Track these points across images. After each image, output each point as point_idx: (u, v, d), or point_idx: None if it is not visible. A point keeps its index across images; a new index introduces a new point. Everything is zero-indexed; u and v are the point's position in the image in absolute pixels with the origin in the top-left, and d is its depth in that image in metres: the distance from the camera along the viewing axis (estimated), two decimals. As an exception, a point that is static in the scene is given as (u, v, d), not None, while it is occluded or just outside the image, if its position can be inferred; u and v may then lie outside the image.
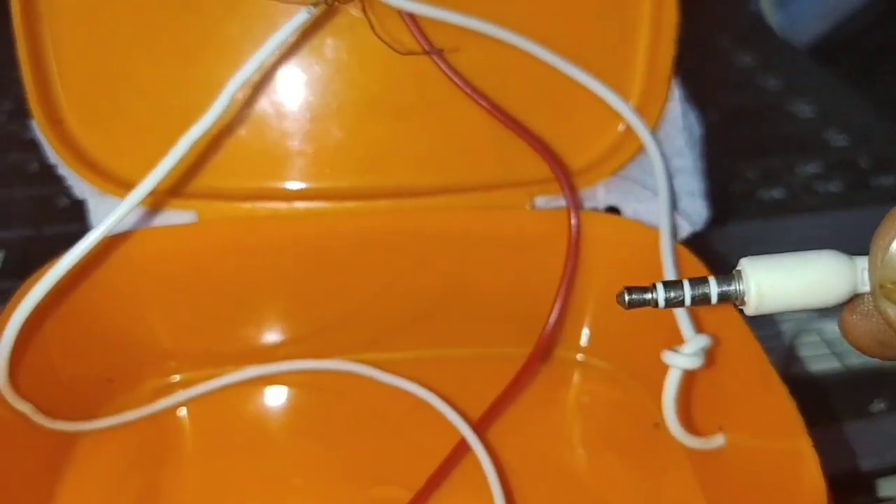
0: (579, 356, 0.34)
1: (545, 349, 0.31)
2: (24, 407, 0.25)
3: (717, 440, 0.27)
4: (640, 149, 0.33)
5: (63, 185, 0.39)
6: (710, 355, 0.26)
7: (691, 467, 0.29)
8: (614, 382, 0.33)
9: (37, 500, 0.27)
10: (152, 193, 0.28)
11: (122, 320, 0.30)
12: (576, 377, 0.33)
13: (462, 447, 0.29)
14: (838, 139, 0.50)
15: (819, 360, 0.35)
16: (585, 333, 0.34)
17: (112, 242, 0.29)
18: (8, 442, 0.26)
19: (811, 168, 0.47)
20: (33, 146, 0.44)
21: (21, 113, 0.46)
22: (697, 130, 0.34)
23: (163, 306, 0.31)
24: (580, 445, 0.31)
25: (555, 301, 0.31)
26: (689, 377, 0.27)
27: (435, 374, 0.32)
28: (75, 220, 0.32)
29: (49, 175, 0.42)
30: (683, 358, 0.25)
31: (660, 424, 0.31)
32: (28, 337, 0.26)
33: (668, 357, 0.25)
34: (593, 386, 0.33)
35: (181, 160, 0.26)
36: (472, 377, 0.32)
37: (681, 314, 0.26)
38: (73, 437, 0.29)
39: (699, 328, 0.26)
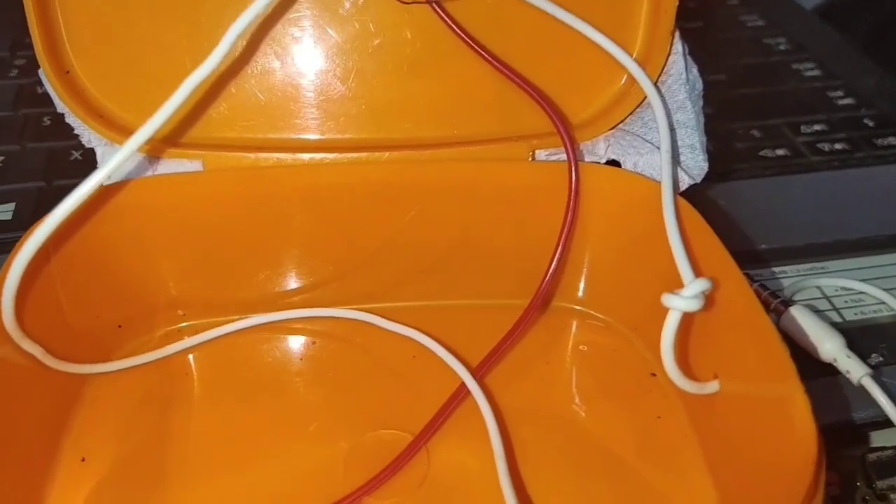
0: (577, 307, 0.34)
1: (544, 299, 0.32)
2: (32, 349, 0.26)
3: (712, 386, 0.28)
4: (641, 103, 0.33)
5: (74, 137, 0.40)
6: (706, 302, 0.27)
7: (686, 414, 0.30)
8: (612, 333, 0.33)
9: (47, 440, 0.28)
10: (156, 140, 0.28)
11: (129, 267, 0.31)
12: (574, 328, 0.34)
13: (462, 392, 0.30)
14: (844, 99, 0.50)
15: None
16: (583, 285, 0.34)
17: (118, 189, 0.30)
18: (18, 384, 0.26)
19: (816, 127, 0.47)
20: (45, 101, 0.45)
21: (33, 69, 0.47)
22: (699, 85, 0.34)
23: (170, 253, 0.31)
24: (577, 392, 0.31)
25: (555, 252, 0.31)
26: (685, 325, 0.28)
27: (437, 323, 0.33)
28: (86, 173, 0.33)
29: (60, 129, 0.43)
30: (683, 300, 0.26)
31: (656, 374, 0.32)
32: (34, 280, 0.27)
33: (668, 299, 0.26)
34: (591, 336, 0.34)
35: (182, 106, 0.26)
36: (473, 326, 0.32)
37: (680, 259, 0.27)
38: (82, 380, 0.29)
39: (697, 274, 0.27)
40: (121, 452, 0.28)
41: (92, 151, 0.32)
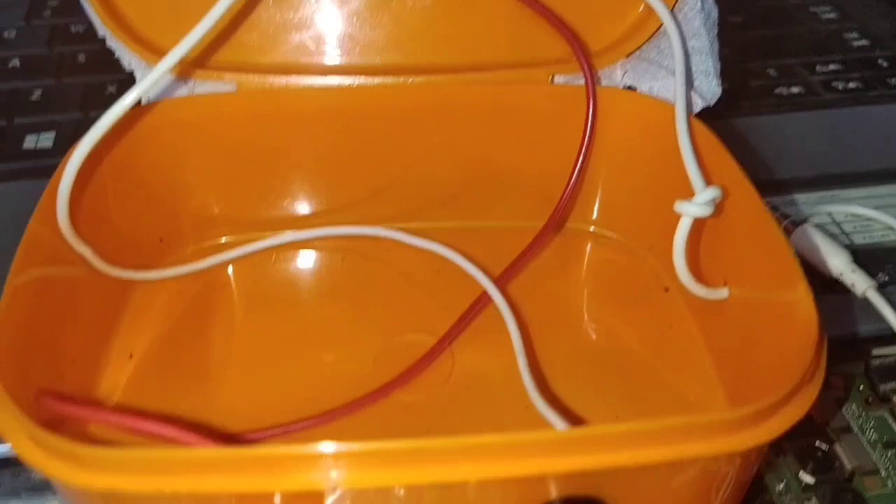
0: (593, 228, 0.36)
1: (562, 216, 0.33)
2: (84, 250, 0.28)
3: (722, 292, 0.29)
4: (658, 30, 0.34)
5: (108, 72, 0.41)
6: (717, 210, 0.28)
7: (697, 324, 0.32)
8: (627, 252, 0.35)
9: (98, 337, 0.29)
10: (192, 63, 0.30)
11: (170, 182, 0.33)
12: (590, 247, 0.35)
13: (484, 298, 0.31)
14: (859, 40, 0.50)
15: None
16: (598, 206, 0.35)
17: (156, 107, 0.31)
18: (72, 284, 0.28)
19: (831, 66, 0.48)
20: (78, 39, 0.47)
21: (65, 10, 0.49)
22: (714, 14, 0.35)
23: (206, 171, 0.33)
24: (593, 304, 0.33)
25: (572, 172, 0.33)
26: (696, 234, 0.29)
27: (459, 242, 0.34)
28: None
29: (95, 65, 0.45)
30: (695, 206, 0.27)
31: (669, 288, 0.33)
32: (85, 188, 0.28)
33: (681, 206, 0.27)
34: (607, 255, 0.35)
35: (213, 29, 0.28)
36: (493, 245, 0.34)
37: (691, 168, 0.28)
38: (129, 286, 0.31)
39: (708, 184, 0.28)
40: (165, 351, 0.30)
41: (126, 85, 0.33)
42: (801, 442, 0.29)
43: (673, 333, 0.32)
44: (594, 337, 0.32)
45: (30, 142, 0.39)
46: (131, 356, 0.30)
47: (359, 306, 0.32)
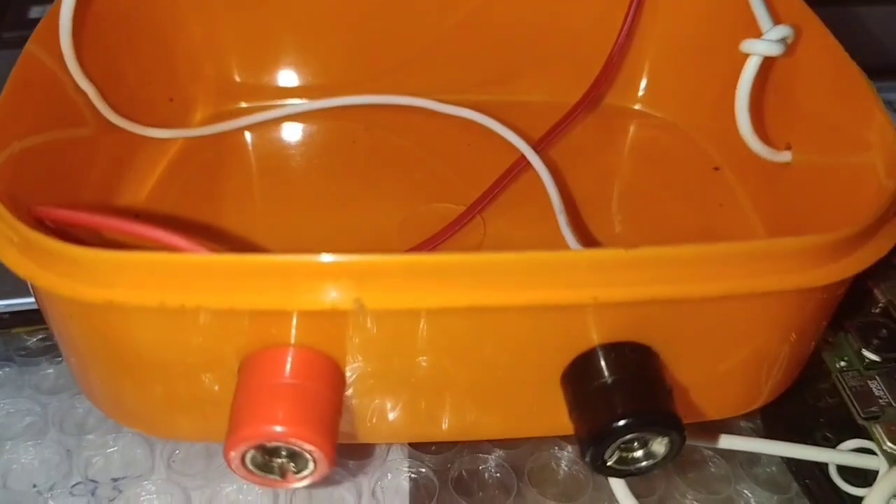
0: (637, 106, 0.33)
1: (609, 75, 0.31)
2: (87, 86, 0.25)
3: (785, 155, 0.27)
4: None
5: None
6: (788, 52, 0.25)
7: (750, 201, 0.29)
8: (674, 131, 0.32)
9: (95, 196, 0.27)
10: None
11: (186, 34, 0.30)
12: (634, 125, 0.33)
13: (520, 163, 0.29)
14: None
15: None
16: (644, 83, 0.33)
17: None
18: (69, 125, 0.26)
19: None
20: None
21: None
22: None
23: (225, 25, 0.31)
24: (638, 180, 0.31)
25: (620, 30, 0.30)
26: (758, 91, 0.26)
27: (495, 114, 0.31)
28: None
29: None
30: (764, 44, 0.24)
31: (720, 168, 0.31)
32: (92, 23, 0.26)
33: (749, 44, 0.24)
34: (652, 133, 0.33)
35: None
36: (528, 119, 0.31)
37: (758, 7, 0.25)
38: (135, 143, 0.29)
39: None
40: (175, 210, 0.28)
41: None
42: (863, 320, 0.26)
43: (724, 211, 0.29)
44: (637, 212, 0.29)
45: (35, 12, 0.37)
46: (137, 216, 0.28)
47: (383, 176, 0.30)
